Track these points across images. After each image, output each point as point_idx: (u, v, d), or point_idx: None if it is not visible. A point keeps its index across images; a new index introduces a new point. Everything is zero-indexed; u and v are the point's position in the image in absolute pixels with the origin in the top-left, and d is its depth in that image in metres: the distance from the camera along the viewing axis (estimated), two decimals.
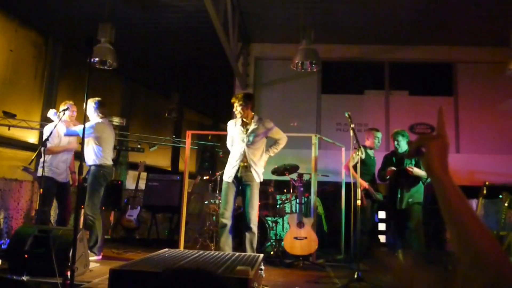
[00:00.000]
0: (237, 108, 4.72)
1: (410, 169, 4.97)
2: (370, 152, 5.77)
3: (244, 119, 4.78)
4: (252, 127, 4.74)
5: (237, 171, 4.69)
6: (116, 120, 9.38)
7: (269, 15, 7.61)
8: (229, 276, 2.67)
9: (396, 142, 5.26)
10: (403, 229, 5.13)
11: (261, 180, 4.80)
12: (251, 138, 4.71)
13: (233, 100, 4.80)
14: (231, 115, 8.76)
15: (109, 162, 5.22)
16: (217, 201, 6.18)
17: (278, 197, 6.30)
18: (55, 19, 8.20)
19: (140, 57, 9.78)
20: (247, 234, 4.62)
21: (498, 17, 7.09)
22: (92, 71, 3.34)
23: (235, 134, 4.83)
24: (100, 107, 5.27)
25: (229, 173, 4.73)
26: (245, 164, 4.68)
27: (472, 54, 8.43)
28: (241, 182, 4.71)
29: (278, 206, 6.24)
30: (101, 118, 5.26)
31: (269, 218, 6.18)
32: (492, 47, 8.07)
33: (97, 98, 5.32)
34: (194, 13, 7.44)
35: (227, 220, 4.62)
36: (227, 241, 4.61)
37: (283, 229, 6.45)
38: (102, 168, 5.10)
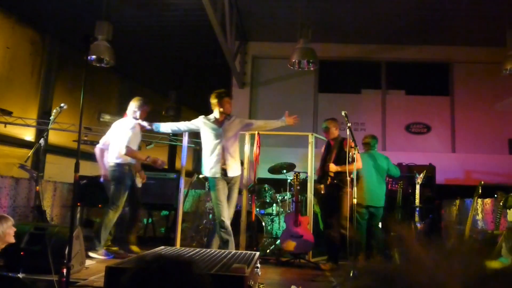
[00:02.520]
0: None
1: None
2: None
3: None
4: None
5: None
6: (109, 118, 9.37)
7: (266, 13, 7.62)
8: (225, 274, 2.68)
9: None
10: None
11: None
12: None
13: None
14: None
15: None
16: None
17: (276, 195, 6.31)
18: (52, 17, 8.18)
19: (137, 55, 9.77)
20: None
21: (494, 17, 7.12)
22: (89, 69, 3.34)
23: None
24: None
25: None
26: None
27: (469, 54, 8.47)
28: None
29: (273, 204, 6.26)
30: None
31: (268, 216, 6.19)
32: (489, 47, 8.10)
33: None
34: (191, 11, 7.44)
35: None
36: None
37: (279, 228, 6.46)
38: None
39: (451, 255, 0.67)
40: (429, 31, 7.93)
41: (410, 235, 0.71)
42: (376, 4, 7.08)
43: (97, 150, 5.42)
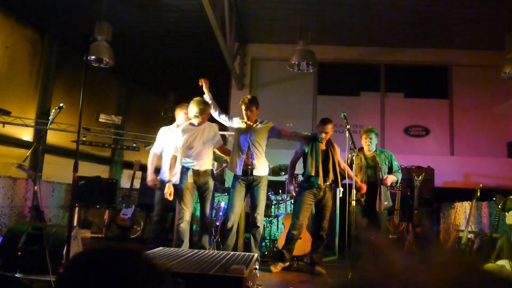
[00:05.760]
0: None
1: (385, 181, 4.90)
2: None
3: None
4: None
5: None
6: (108, 118, 9.36)
7: (266, 15, 7.63)
8: (223, 275, 2.67)
9: (369, 140, 5.01)
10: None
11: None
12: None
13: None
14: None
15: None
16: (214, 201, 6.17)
17: (273, 197, 6.30)
18: (52, 16, 8.18)
19: (137, 55, 9.76)
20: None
21: (493, 21, 7.14)
22: (88, 69, 3.33)
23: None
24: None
25: None
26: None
27: (468, 57, 8.48)
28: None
29: (273, 206, 6.25)
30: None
31: (264, 219, 6.18)
32: (487, 51, 8.12)
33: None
34: (191, 13, 7.44)
35: None
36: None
37: (277, 229, 6.45)
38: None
39: (430, 262, 0.65)
40: (428, 34, 7.95)
41: (386, 245, 0.69)
42: (375, 7, 7.09)
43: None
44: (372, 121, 8.53)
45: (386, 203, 4.98)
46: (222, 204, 6.17)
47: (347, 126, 4.61)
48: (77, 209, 7.03)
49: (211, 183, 4.84)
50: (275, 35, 8.35)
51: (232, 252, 3.97)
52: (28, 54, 8.67)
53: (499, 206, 4.78)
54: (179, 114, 5.18)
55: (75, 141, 5.17)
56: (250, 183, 4.80)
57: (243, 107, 4.89)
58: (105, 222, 7.56)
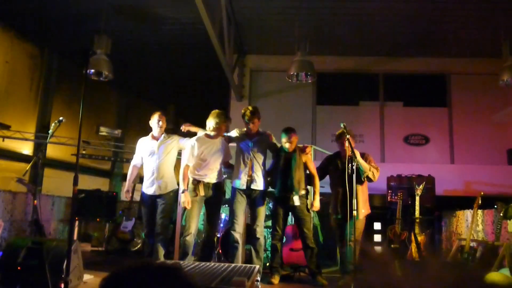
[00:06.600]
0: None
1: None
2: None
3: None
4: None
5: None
6: (108, 131, 9.35)
7: (264, 27, 7.67)
8: (225, 287, 2.65)
9: (347, 143, 4.46)
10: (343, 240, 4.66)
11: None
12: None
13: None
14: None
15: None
16: None
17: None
18: (51, 31, 8.22)
19: (136, 68, 9.80)
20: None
21: (490, 29, 7.18)
22: (87, 83, 3.34)
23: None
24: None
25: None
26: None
27: (466, 65, 8.52)
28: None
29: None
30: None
31: (265, 229, 6.14)
32: (486, 59, 8.16)
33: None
34: (190, 25, 7.48)
35: None
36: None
37: None
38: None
39: (429, 272, 0.65)
40: (426, 43, 7.99)
41: (386, 256, 0.69)
42: (373, 16, 7.14)
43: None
44: (371, 130, 8.55)
45: (363, 210, 4.61)
46: (223, 216, 6.15)
47: (347, 136, 4.59)
48: (77, 222, 7.00)
49: (219, 196, 4.85)
50: (273, 47, 8.39)
51: (234, 264, 3.94)
52: (27, 69, 8.70)
53: (501, 214, 4.76)
54: (152, 123, 5.06)
55: (75, 155, 5.16)
56: (249, 194, 4.79)
57: (246, 120, 4.89)
58: (105, 236, 7.52)
